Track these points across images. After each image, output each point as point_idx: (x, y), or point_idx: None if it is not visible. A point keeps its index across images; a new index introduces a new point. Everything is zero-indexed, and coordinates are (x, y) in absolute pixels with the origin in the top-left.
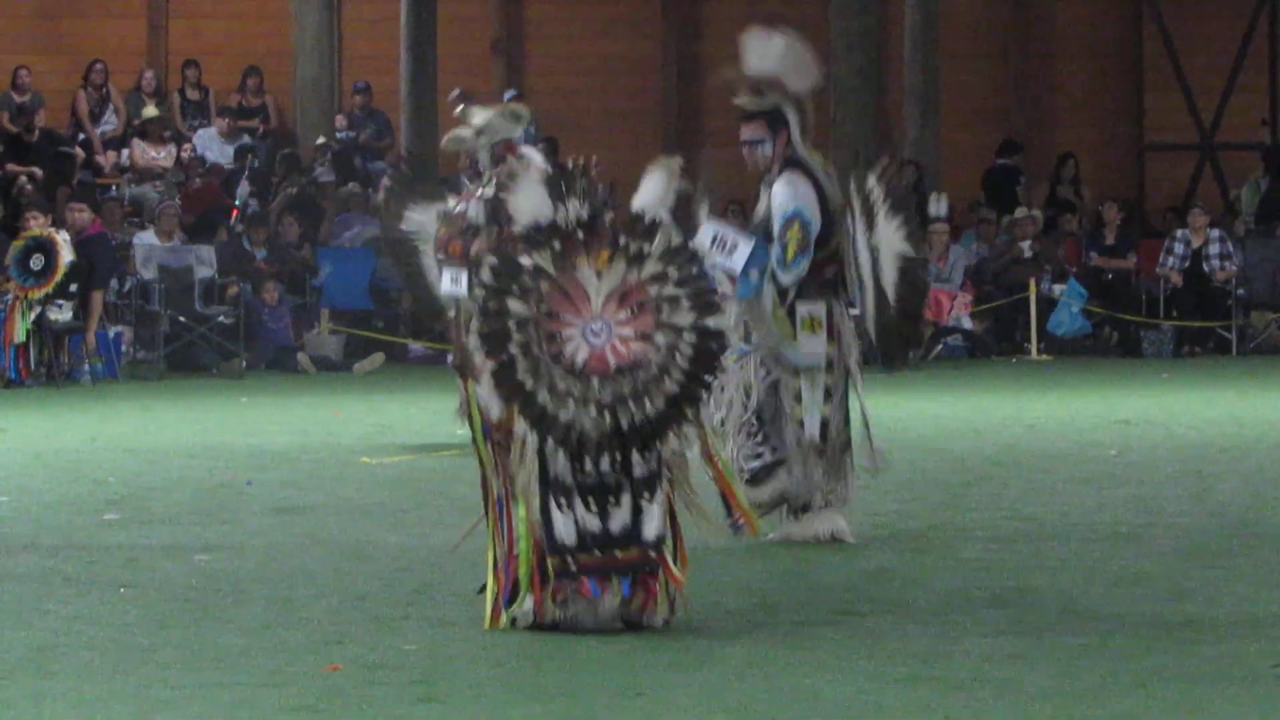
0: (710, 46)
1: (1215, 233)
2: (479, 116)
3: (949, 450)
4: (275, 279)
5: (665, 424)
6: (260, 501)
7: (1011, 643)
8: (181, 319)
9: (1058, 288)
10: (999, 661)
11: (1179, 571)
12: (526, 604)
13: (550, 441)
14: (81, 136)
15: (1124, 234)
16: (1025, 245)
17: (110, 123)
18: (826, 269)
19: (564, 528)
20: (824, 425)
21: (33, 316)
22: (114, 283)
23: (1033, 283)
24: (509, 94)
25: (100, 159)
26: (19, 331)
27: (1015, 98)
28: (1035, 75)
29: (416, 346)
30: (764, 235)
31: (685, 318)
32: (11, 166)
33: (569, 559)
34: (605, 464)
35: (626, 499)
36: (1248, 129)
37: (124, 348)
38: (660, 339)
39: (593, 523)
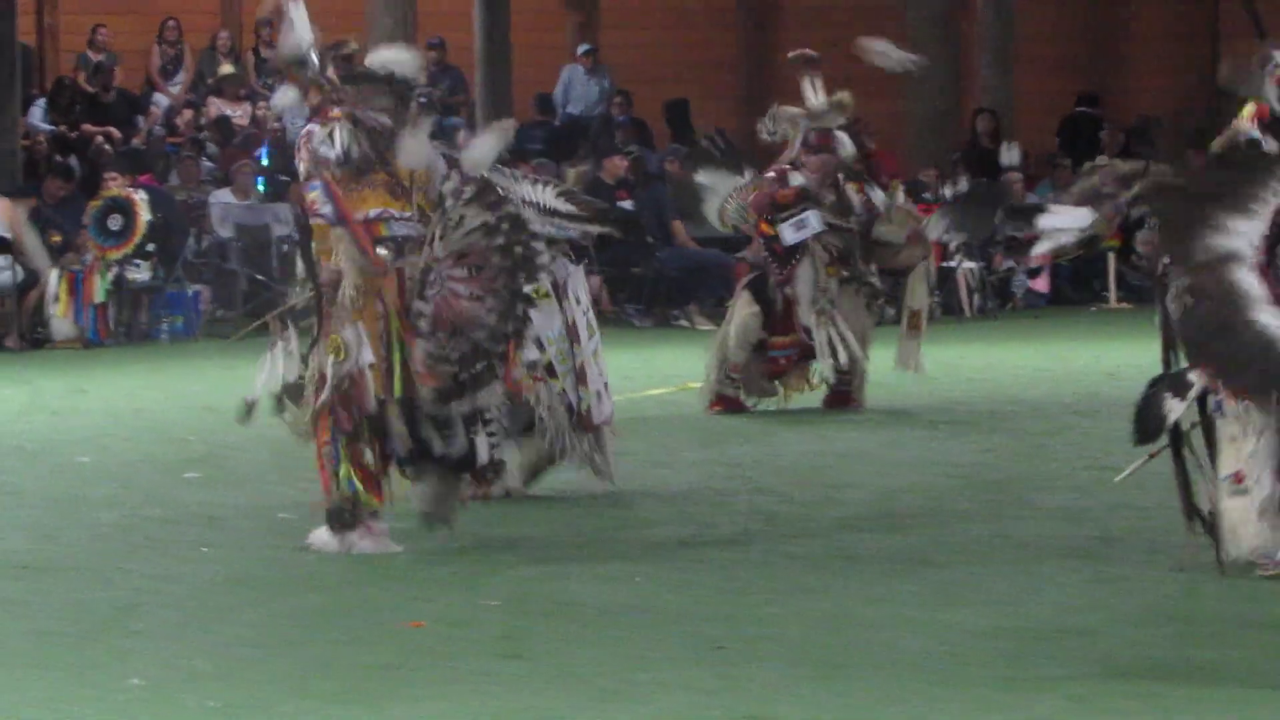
0: None
1: None
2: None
3: (1028, 399)
4: None
5: (491, 377)
6: None
7: (1094, 592)
8: (259, 277)
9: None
10: (1081, 612)
11: None
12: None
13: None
14: (163, 99)
15: None
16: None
17: (180, 81)
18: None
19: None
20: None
21: (111, 276)
22: (191, 241)
23: None
24: (583, 48)
25: (175, 119)
26: (98, 291)
27: (1090, 45)
28: (1110, 22)
29: None
30: None
31: (515, 284)
32: (88, 127)
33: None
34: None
35: (460, 431)
36: None
37: (202, 306)
38: (492, 302)
39: (436, 446)
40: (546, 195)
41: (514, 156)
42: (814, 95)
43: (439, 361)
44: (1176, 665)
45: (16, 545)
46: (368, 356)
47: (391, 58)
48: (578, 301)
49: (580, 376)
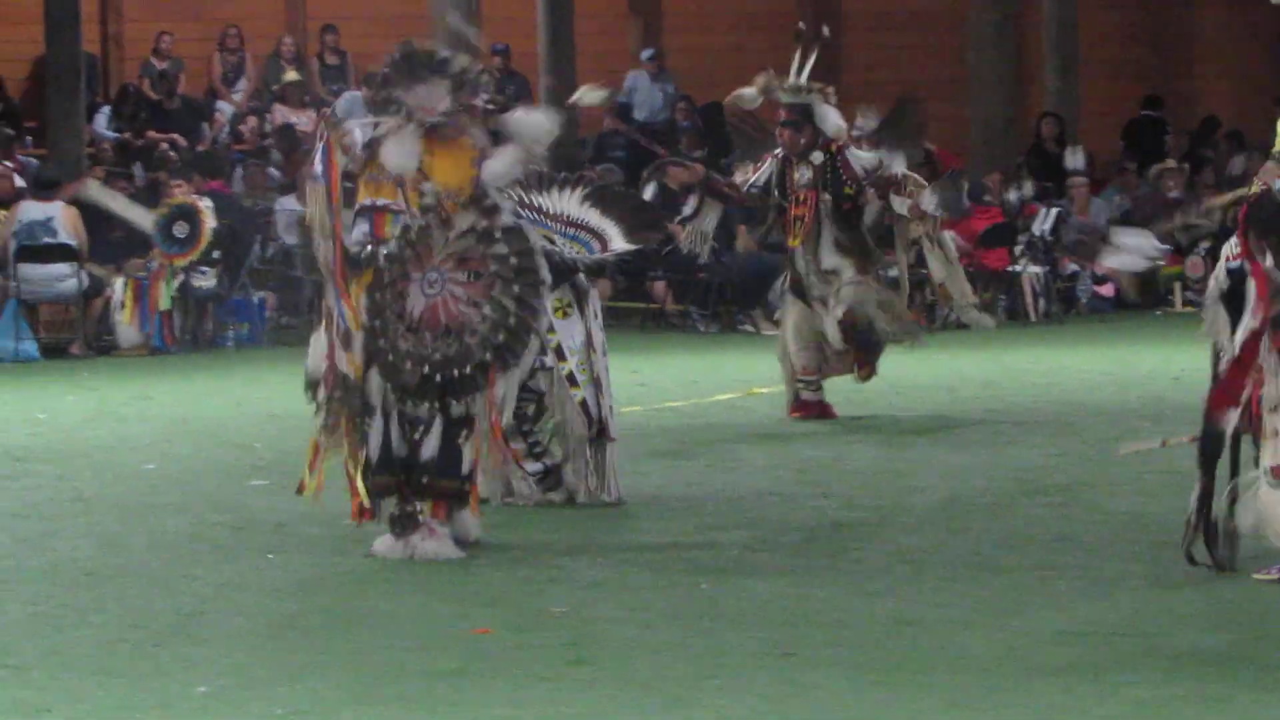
0: (848, 1)
1: None
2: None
3: (1094, 404)
4: None
5: (476, 384)
6: None
7: (1160, 596)
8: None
9: None
10: (1150, 616)
11: None
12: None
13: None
14: (226, 107)
15: None
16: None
17: (241, 89)
18: None
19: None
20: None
21: (177, 284)
22: (256, 248)
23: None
24: (646, 53)
25: (241, 126)
26: (163, 299)
27: (1156, 48)
28: (1174, 25)
29: None
30: None
31: (512, 293)
32: (153, 134)
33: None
34: (424, 407)
35: (437, 434)
36: None
37: (267, 313)
38: (488, 310)
39: (402, 449)
40: (571, 203)
41: (593, 161)
42: (795, 71)
43: (405, 358)
44: (1243, 669)
45: (82, 552)
46: (341, 325)
47: (530, 121)
48: (595, 315)
49: (598, 387)
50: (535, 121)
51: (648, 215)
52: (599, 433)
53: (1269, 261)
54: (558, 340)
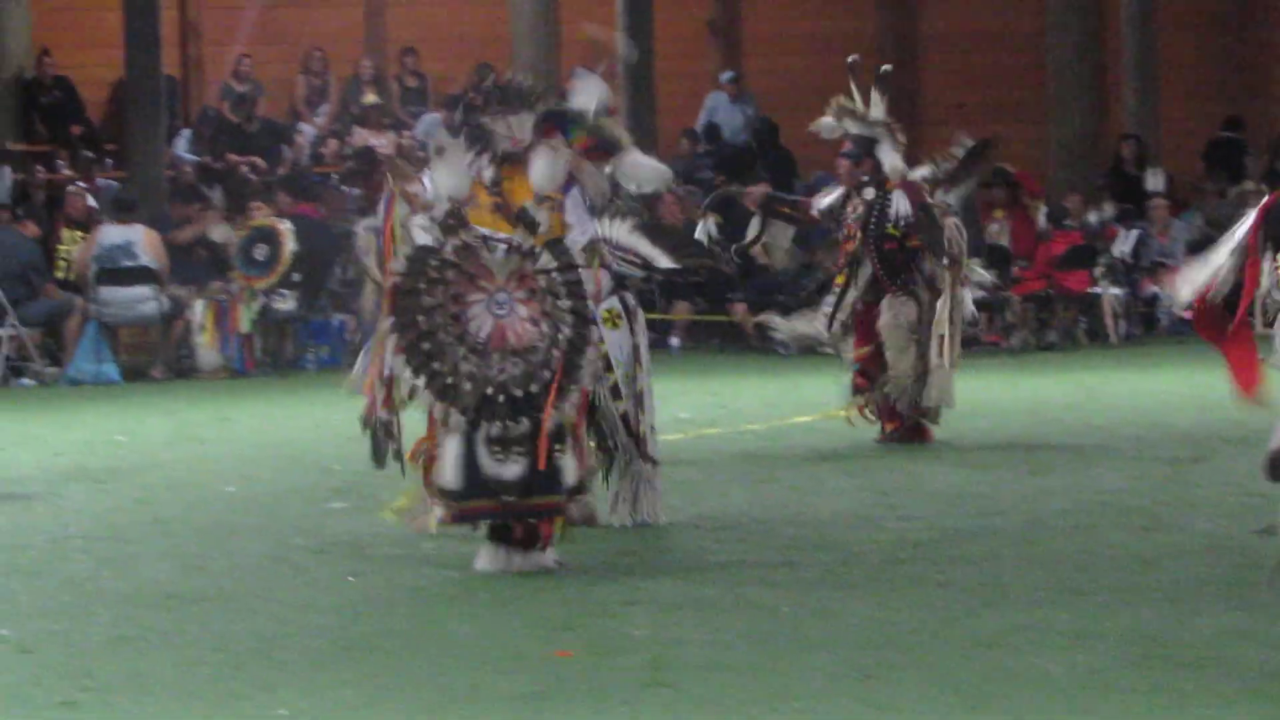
0: (927, 24)
1: None
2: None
3: (1175, 426)
4: None
5: (540, 404)
6: None
7: (1244, 620)
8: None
9: None
10: (1232, 640)
11: None
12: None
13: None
14: (308, 129)
15: None
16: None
17: (323, 112)
18: None
19: (452, 474)
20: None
21: (257, 306)
22: (336, 270)
23: None
24: (726, 75)
25: (321, 149)
26: (244, 321)
27: (1235, 69)
28: (1256, 46)
29: None
30: None
31: (565, 304)
32: (232, 156)
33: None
34: (499, 427)
35: (526, 450)
36: None
37: (348, 336)
38: (545, 326)
39: (492, 469)
40: (620, 231)
41: (684, 181)
42: (870, 105)
43: (465, 379)
44: None
45: (163, 575)
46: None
47: (644, 169)
48: (643, 332)
49: (639, 402)
50: (648, 169)
51: (693, 247)
52: (637, 451)
53: (1267, 264)
54: (605, 350)
